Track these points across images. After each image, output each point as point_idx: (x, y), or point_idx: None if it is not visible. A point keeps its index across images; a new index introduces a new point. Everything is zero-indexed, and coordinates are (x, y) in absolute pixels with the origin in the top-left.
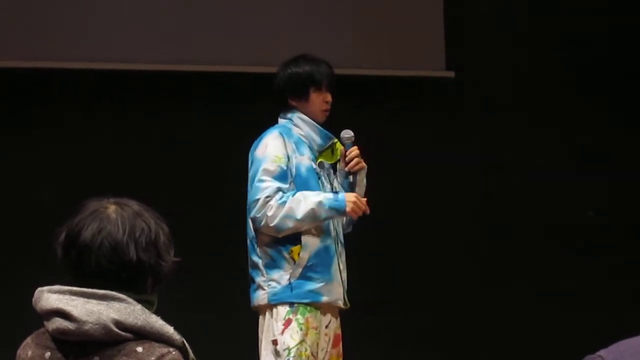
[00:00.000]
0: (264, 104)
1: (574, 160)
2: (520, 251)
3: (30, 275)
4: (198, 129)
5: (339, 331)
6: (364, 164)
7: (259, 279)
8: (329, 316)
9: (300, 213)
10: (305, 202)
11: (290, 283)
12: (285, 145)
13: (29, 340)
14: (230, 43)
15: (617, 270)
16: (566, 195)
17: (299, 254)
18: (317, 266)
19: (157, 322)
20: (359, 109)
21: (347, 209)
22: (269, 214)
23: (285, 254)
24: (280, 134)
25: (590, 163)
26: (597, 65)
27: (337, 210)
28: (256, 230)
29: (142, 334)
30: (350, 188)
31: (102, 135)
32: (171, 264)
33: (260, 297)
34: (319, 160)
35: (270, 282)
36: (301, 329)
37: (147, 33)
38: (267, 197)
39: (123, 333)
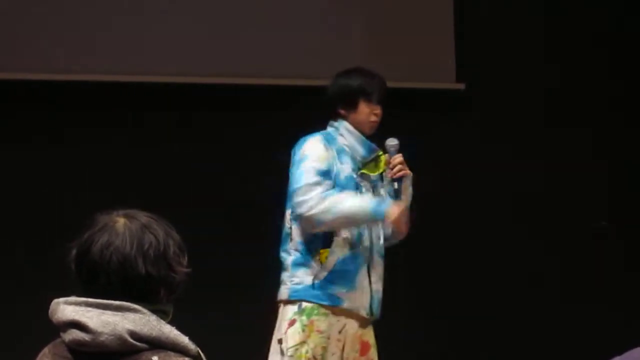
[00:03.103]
0: (280, 113)
1: (588, 168)
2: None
3: (47, 285)
4: (219, 137)
5: (367, 339)
6: (408, 171)
7: (284, 274)
8: (343, 321)
9: (340, 210)
10: (348, 201)
11: (313, 283)
12: (326, 150)
13: (46, 350)
14: (241, 54)
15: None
16: (581, 205)
17: (326, 257)
18: (341, 272)
19: (172, 332)
20: None
21: (389, 219)
22: (311, 203)
23: (314, 255)
24: (322, 139)
25: (602, 172)
26: (609, 78)
27: (375, 217)
28: (291, 226)
29: (157, 344)
30: (395, 195)
31: (124, 143)
32: (183, 275)
33: (282, 292)
34: (362, 171)
35: (293, 278)
36: (303, 330)
37: (162, 45)
38: (310, 184)
39: (138, 344)
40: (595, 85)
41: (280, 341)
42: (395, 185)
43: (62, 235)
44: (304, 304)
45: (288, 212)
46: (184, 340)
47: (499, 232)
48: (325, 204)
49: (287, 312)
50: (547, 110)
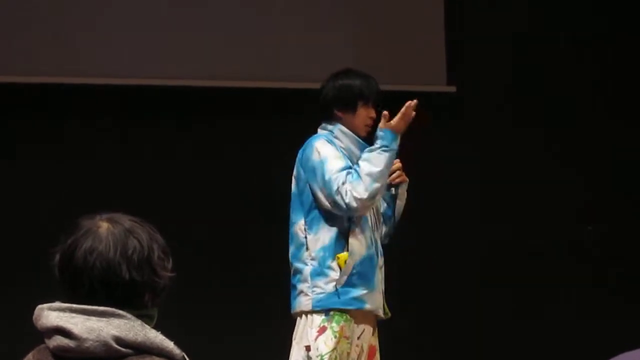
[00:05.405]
0: (265, 117)
1: (576, 171)
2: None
3: (32, 291)
4: (217, 142)
5: (375, 342)
6: (405, 177)
7: (302, 286)
8: (362, 327)
9: (376, 169)
10: (370, 161)
11: (336, 290)
12: (336, 149)
13: (30, 356)
14: (227, 57)
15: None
16: (568, 207)
17: (345, 261)
18: (361, 274)
19: (157, 337)
20: None
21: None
22: (355, 193)
23: (331, 262)
24: (328, 141)
25: (594, 175)
26: (599, 80)
27: (391, 149)
28: (306, 236)
29: (142, 350)
30: (392, 200)
31: (112, 149)
32: (167, 279)
33: (303, 303)
34: None
35: (315, 288)
36: (335, 337)
37: (155, 48)
38: (342, 183)
39: (123, 349)
40: (588, 87)
41: (307, 348)
42: (393, 190)
43: (46, 241)
44: (331, 312)
45: (302, 222)
46: (169, 345)
47: (490, 235)
48: (365, 181)
49: (314, 320)
50: (539, 113)
